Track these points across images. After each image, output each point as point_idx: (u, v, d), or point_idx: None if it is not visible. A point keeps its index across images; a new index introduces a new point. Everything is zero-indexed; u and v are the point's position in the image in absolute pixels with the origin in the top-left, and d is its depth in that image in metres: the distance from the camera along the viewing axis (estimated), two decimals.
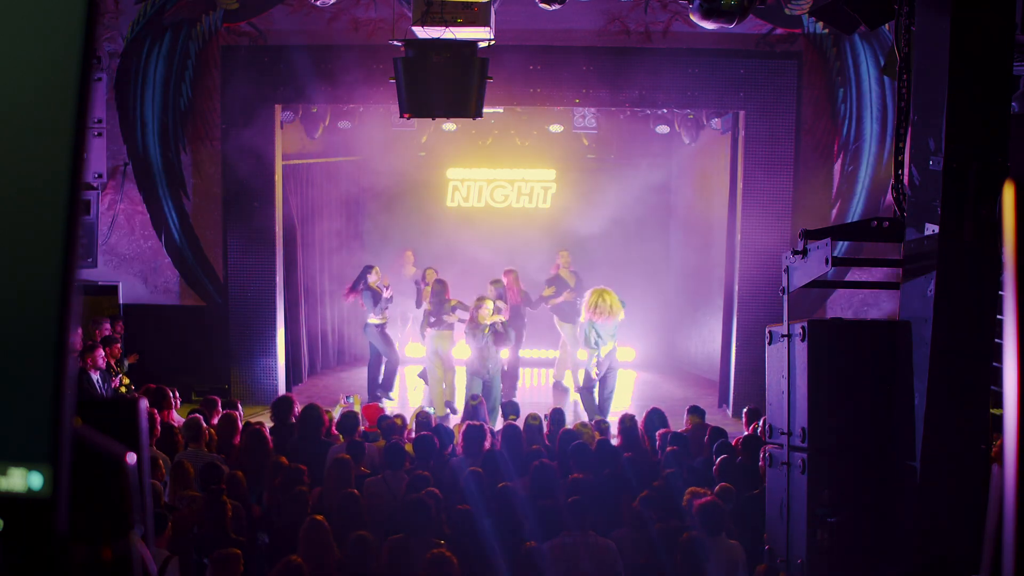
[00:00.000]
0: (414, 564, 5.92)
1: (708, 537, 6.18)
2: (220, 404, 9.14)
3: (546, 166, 15.48)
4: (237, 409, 9.04)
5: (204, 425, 8.05)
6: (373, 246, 15.43)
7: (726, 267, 12.66)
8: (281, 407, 8.96)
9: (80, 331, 10.40)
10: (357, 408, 10.31)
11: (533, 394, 13.32)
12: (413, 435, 8.64)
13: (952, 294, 5.56)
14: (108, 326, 11.18)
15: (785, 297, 6.37)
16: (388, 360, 12.44)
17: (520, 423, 8.92)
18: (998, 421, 6.18)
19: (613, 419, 9.52)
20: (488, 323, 11.17)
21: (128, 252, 12.49)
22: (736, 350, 12.11)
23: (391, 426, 8.78)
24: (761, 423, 7.99)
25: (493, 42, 9.52)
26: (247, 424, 8.55)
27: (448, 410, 11.80)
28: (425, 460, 7.65)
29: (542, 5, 10.00)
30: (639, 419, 8.86)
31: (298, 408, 8.78)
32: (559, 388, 13.41)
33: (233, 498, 6.70)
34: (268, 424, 8.77)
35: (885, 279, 6.92)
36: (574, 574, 6.12)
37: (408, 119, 10.78)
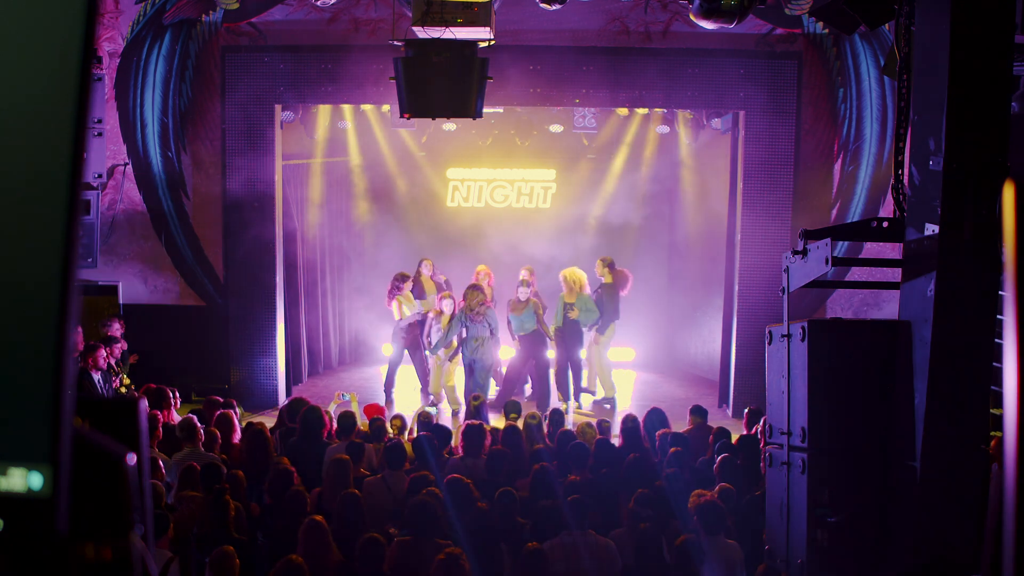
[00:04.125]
0: (422, 564, 5.91)
1: (707, 537, 6.18)
2: (221, 405, 9.14)
3: (546, 166, 15.48)
4: (234, 409, 9.05)
5: (199, 425, 8.04)
6: (372, 246, 15.42)
7: (726, 267, 12.66)
8: (293, 409, 8.97)
9: (80, 331, 10.40)
10: (354, 407, 10.31)
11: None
12: (414, 435, 8.64)
13: (952, 294, 5.56)
14: (118, 326, 11.16)
15: (785, 297, 6.36)
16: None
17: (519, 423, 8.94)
18: (998, 421, 6.18)
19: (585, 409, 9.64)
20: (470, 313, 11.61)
21: (128, 252, 12.49)
22: (736, 350, 12.11)
23: (381, 428, 8.78)
24: (761, 423, 7.99)
25: (493, 42, 9.52)
26: (248, 424, 8.55)
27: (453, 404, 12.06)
28: (424, 460, 7.65)
29: (542, 5, 10.01)
30: (640, 419, 8.87)
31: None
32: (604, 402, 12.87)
33: (233, 498, 6.70)
34: (269, 424, 8.77)
35: (885, 279, 6.91)
36: (574, 574, 6.12)
37: (408, 119, 10.77)
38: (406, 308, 12.63)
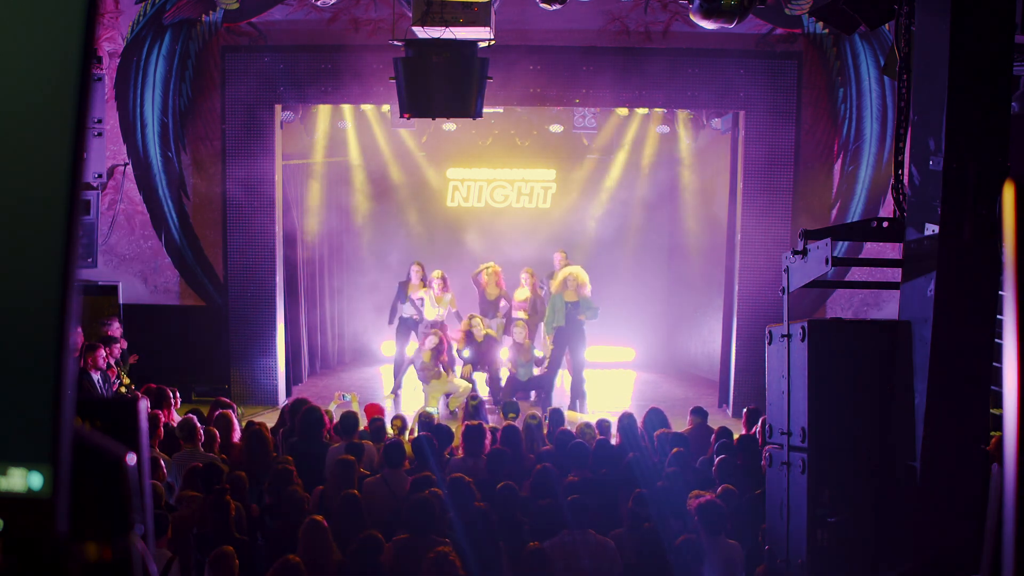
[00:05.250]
0: (419, 564, 5.92)
1: (707, 537, 6.18)
2: (223, 406, 9.13)
3: (546, 166, 15.48)
4: (233, 409, 9.05)
5: (199, 425, 8.03)
6: (373, 246, 15.43)
7: (726, 267, 12.66)
8: (296, 409, 8.96)
9: (80, 331, 10.40)
10: (355, 407, 10.31)
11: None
12: (414, 435, 8.63)
13: (952, 294, 5.56)
14: (117, 324, 11.15)
15: (785, 297, 6.37)
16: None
17: (519, 423, 8.94)
18: (998, 421, 6.18)
19: (600, 414, 9.73)
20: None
21: (128, 252, 12.49)
22: (736, 350, 12.11)
23: (381, 428, 8.78)
24: (760, 424, 7.99)
25: (493, 42, 9.52)
26: (248, 424, 8.55)
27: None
28: (424, 460, 7.65)
29: (542, 5, 10.00)
30: (638, 419, 8.88)
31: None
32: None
33: (234, 498, 6.70)
34: (270, 424, 8.77)
35: (885, 279, 6.92)
36: (574, 573, 6.12)
37: (408, 119, 10.78)
38: (437, 306, 12.62)
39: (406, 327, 12.80)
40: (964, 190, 5.46)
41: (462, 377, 12.32)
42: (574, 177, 15.57)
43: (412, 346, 12.52)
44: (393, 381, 12.87)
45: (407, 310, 12.85)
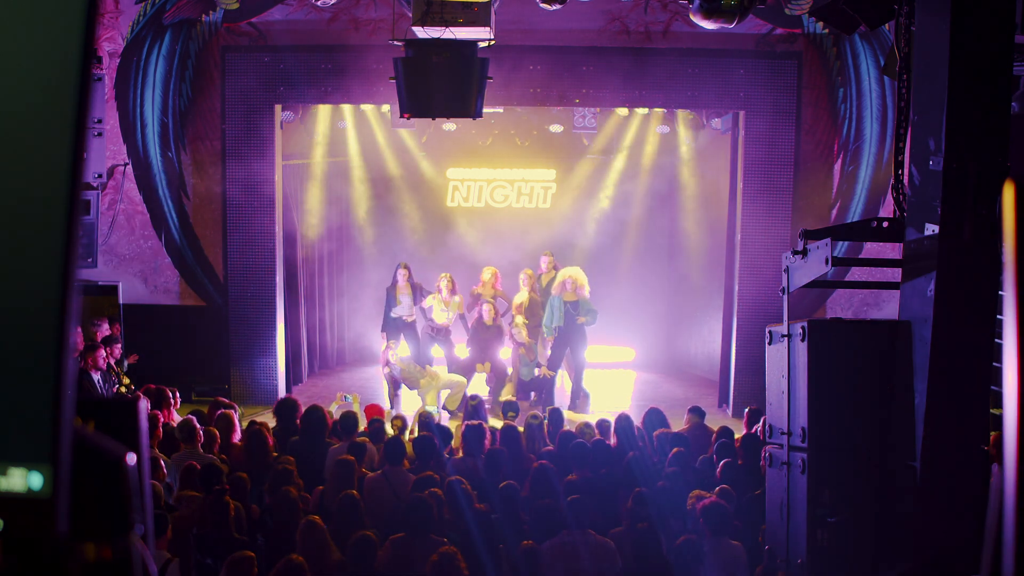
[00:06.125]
0: (416, 563, 5.92)
1: (711, 538, 6.18)
2: (224, 406, 9.12)
3: (546, 166, 15.48)
4: (234, 410, 9.05)
5: (198, 427, 8.02)
6: (373, 246, 15.42)
7: (726, 267, 12.66)
8: (285, 409, 8.96)
9: (80, 331, 10.40)
10: (356, 407, 10.30)
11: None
12: (414, 435, 8.63)
13: (952, 294, 5.56)
14: (107, 326, 11.17)
15: (785, 297, 6.37)
16: None
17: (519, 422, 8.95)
18: (998, 421, 6.18)
19: (600, 415, 9.81)
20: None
21: (128, 252, 12.49)
22: (736, 350, 12.11)
23: (380, 429, 8.78)
24: (761, 423, 7.99)
25: (493, 42, 9.52)
26: (250, 424, 8.55)
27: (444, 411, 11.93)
28: (425, 460, 7.65)
29: (543, 5, 10.00)
30: (638, 419, 8.88)
31: (302, 409, 8.76)
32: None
33: (235, 498, 6.69)
34: (271, 424, 8.77)
35: (885, 279, 6.92)
36: (574, 573, 6.12)
37: (408, 119, 10.77)
38: (447, 310, 12.55)
39: (395, 328, 12.61)
40: (964, 190, 5.47)
41: (463, 366, 12.29)
42: (574, 177, 15.56)
43: (404, 347, 12.43)
44: (389, 391, 12.44)
45: (397, 311, 12.70)
